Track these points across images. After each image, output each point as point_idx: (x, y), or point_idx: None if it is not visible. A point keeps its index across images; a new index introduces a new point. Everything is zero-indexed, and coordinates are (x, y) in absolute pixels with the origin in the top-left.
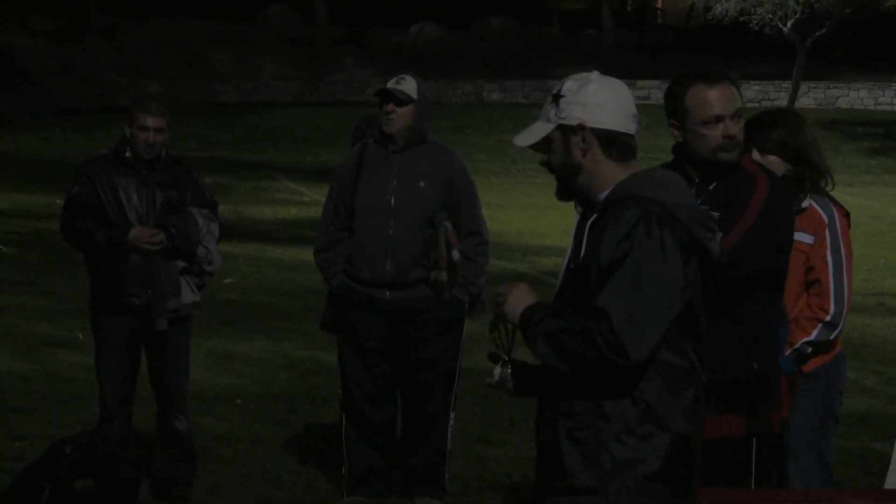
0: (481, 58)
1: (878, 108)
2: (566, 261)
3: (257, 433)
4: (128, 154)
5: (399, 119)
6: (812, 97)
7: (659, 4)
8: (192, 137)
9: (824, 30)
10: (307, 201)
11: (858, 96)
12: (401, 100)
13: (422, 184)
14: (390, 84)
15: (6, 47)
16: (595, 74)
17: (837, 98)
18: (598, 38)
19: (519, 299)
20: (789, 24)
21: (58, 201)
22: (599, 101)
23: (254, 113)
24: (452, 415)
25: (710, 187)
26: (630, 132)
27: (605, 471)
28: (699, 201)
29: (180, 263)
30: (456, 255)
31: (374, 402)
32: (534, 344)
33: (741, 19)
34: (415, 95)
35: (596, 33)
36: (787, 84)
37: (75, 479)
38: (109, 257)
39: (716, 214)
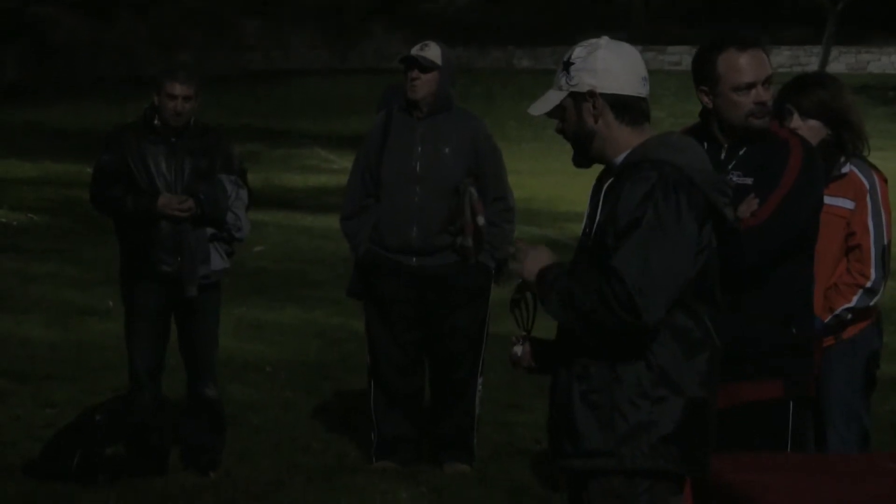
0: (511, 25)
1: None
2: (583, 225)
3: (287, 400)
4: (156, 122)
5: (423, 86)
6: (843, 62)
7: None
8: (223, 107)
9: None
10: (337, 169)
11: (890, 61)
12: (425, 66)
13: (447, 150)
14: (414, 51)
15: (37, 20)
16: (604, 40)
17: (869, 63)
18: (628, 4)
19: (537, 259)
20: None
21: (88, 170)
22: (608, 66)
23: (284, 81)
24: (480, 380)
25: (741, 153)
26: (641, 95)
27: (619, 434)
28: (730, 167)
29: (210, 230)
30: (481, 221)
31: (401, 368)
32: (548, 302)
33: None
34: (439, 62)
35: (626, 0)
36: (818, 49)
37: (106, 446)
38: (139, 225)
39: (748, 180)
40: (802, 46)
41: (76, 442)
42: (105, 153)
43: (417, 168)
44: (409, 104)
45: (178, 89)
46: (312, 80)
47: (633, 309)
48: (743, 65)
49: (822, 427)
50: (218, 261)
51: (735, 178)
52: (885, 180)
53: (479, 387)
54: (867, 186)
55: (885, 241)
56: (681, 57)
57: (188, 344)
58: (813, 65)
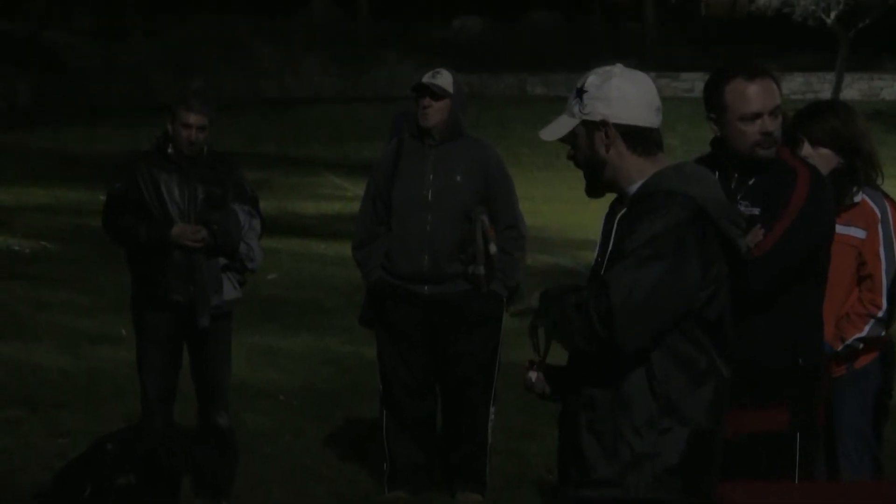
0: (524, 51)
1: None
2: (596, 254)
3: (299, 428)
4: (170, 150)
5: (435, 113)
6: (856, 88)
7: None
8: (236, 133)
9: (868, 21)
10: (350, 196)
11: None
12: (437, 94)
13: (458, 178)
14: (426, 78)
15: (50, 44)
16: (618, 68)
17: (882, 89)
18: (641, 31)
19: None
20: (832, 15)
21: (101, 197)
22: (622, 95)
23: (297, 108)
24: (492, 409)
25: (750, 182)
26: (654, 126)
27: (623, 463)
28: (739, 196)
29: (222, 260)
30: (493, 248)
31: (413, 396)
32: (546, 313)
33: (784, 10)
34: (451, 89)
35: (639, 26)
36: (830, 76)
37: (117, 476)
38: (151, 253)
39: (756, 210)
40: (815, 73)
41: (87, 473)
42: (118, 181)
43: (429, 195)
44: (421, 131)
45: (193, 119)
46: (325, 107)
47: (609, 324)
48: (750, 94)
49: (834, 456)
50: (230, 291)
51: (743, 209)
52: None
53: (492, 416)
54: (879, 215)
55: None
56: (693, 83)
57: (200, 372)
58: (826, 91)
